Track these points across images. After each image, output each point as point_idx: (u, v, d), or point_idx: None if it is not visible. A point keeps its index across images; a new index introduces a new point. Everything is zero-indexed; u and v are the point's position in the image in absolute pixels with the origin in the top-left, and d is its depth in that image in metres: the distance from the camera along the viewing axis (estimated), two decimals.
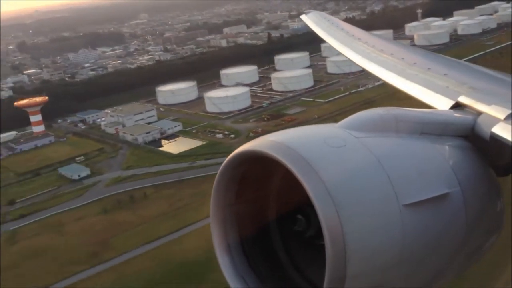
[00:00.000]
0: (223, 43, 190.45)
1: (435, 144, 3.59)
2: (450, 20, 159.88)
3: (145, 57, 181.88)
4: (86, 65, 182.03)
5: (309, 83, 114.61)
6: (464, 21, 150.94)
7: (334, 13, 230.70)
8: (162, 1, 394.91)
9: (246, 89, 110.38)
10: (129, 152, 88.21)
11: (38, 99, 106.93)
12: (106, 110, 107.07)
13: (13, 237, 62.82)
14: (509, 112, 3.73)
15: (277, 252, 3.64)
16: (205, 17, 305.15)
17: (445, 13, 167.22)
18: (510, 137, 3.47)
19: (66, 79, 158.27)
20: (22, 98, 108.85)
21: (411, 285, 3.26)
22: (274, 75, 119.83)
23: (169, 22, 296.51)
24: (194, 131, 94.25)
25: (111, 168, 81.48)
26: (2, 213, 69.26)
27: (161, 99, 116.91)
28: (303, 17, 10.59)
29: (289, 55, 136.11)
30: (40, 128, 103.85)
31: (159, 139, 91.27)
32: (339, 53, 7.95)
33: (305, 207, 3.11)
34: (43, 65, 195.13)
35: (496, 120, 3.73)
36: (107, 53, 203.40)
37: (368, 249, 2.91)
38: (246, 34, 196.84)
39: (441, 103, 4.57)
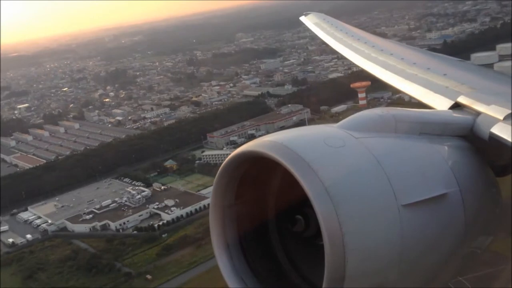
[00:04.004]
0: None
1: (434, 144, 3.59)
2: None
3: (331, 63, 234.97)
4: (285, 70, 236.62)
5: None
6: None
7: (451, 25, 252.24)
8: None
9: None
10: None
11: (364, 82, 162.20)
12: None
13: None
14: (508, 112, 3.73)
15: (276, 252, 3.66)
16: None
17: None
18: (509, 137, 3.46)
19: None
20: (354, 82, 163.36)
21: (410, 284, 3.26)
22: None
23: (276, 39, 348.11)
24: None
25: None
26: None
27: None
28: (302, 18, 10.79)
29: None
30: (364, 102, 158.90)
31: None
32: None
33: (304, 207, 3.11)
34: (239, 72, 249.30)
35: (495, 120, 3.74)
36: (285, 63, 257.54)
37: (367, 249, 2.90)
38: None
39: (441, 103, 4.58)
